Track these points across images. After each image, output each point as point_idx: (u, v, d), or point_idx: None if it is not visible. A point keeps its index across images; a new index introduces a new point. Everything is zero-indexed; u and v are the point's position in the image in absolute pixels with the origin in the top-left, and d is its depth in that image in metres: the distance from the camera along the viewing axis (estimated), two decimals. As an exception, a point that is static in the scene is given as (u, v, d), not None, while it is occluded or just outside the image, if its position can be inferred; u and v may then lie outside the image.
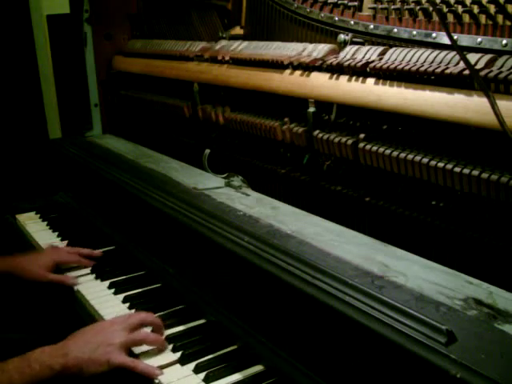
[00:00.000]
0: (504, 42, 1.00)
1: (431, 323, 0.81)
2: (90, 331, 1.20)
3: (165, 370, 1.11)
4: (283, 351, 1.07)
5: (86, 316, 1.38)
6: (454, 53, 1.05)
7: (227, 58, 1.64)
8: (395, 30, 1.22)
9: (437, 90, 1.05)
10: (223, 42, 1.72)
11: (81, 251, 1.62)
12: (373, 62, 1.18)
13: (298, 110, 1.40)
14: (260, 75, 1.50)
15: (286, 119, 1.44)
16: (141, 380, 1.11)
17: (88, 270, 1.57)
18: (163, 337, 1.20)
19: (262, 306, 1.14)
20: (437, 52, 1.09)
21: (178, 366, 1.13)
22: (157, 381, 1.08)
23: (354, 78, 1.23)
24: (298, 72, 1.39)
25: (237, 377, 1.07)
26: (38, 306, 1.71)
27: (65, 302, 1.53)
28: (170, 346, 1.17)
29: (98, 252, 1.64)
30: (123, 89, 2.31)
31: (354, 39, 1.32)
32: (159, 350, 1.17)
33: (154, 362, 1.13)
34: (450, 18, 1.10)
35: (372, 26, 1.27)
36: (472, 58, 1.00)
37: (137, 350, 1.17)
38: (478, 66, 0.99)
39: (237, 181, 1.55)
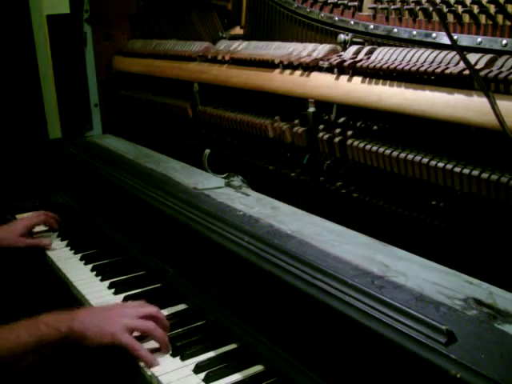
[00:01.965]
0: (504, 42, 1.00)
1: (431, 323, 0.81)
2: (98, 308, 1.26)
3: (165, 370, 1.11)
4: (283, 351, 1.07)
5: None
6: (454, 53, 1.05)
7: (227, 58, 1.64)
8: (395, 29, 1.22)
9: (437, 89, 1.05)
10: (223, 42, 1.73)
11: (46, 213, 1.82)
12: (373, 61, 1.18)
13: (298, 110, 1.40)
14: (260, 75, 1.50)
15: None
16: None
17: (88, 270, 1.57)
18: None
19: (262, 306, 1.14)
20: (437, 52, 1.09)
21: (177, 365, 1.13)
22: (156, 380, 1.08)
23: (354, 77, 1.24)
24: (298, 72, 1.39)
25: (237, 377, 1.07)
26: (36, 306, 1.71)
27: (65, 302, 1.53)
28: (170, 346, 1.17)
29: (58, 217, 1.84)
30: (123, 89, 2.31)
31: (354, 39, 1.32)
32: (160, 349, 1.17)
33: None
34: (450, 18, 1.10)
35: (372, 26, 1.27)
36: (472, 57, 1.00)
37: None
38: (478, 66, 0.99)
39: (237, 181, 1.55)
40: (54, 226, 1.83)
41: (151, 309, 1.21)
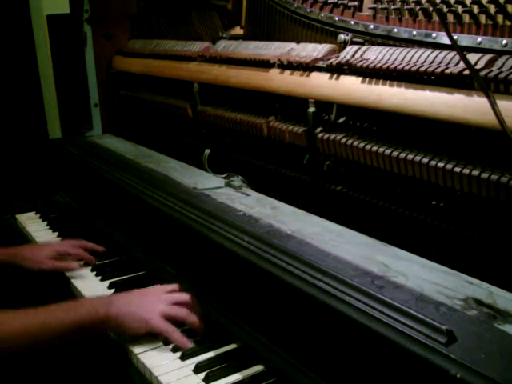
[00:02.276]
0: (504, 41, 1.00)
1: (431, 323, 0.81)
2: (134, 293, 1.25)
3: (165, 370, 1.11)
4: (283, 351, 1.07)
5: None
6: (454, 53, 1.05)
7: (227, 58, 1.64)
8: (395, 30, 1.22)
9: (437, 89, 1.05)
10: (223, 42, 1.72)
11: (86, 245, 1.63)
12: (373, 61, 1.18)
13: (298, 110, 1.40)
14: (260, 75, 1.50)
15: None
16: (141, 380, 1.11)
17: (88, 270, 1.57)
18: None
19: (262, 306, 1.14)
20: (437, 52, 1.09)
21: (178, 365, 1.13)
22: (156, 380, 1.08)
23: (353, 77, 1.24)
24: (298, 72, 1.39)
25: (237, 377, 1.07)
26: (35, 305, 1.71)
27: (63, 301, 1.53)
28: (170, 346, 1.17)
29: (102, 248, 1.64)
30: (123, 89, 2.31)
31: (354, 39, 1.32)
32: (161, 349, 1.17)
33: (154, 360, 1.13)
34: (450, 18, 1.10)
35: (372, 26, 1.27)
36: (472, 57, 1.00)
37: (136, 350, 1.17)
38: (478, 66, 0.99)
39: (237, 181, 1.55)
40: (91, 261, 1.59)
41: (184, 296, 1.24)
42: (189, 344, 1.15)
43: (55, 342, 1.15)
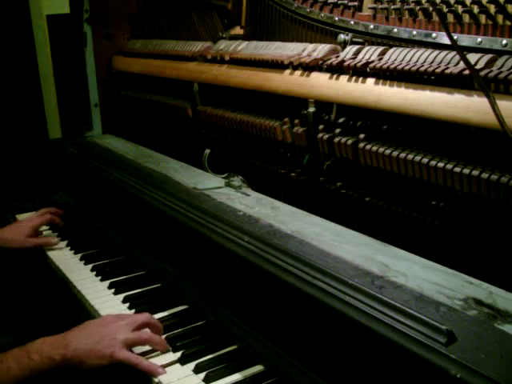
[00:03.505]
0: (504, 42, 1.00)
1: (431, 323, 0.81)
2: (93, 324, 1.18)
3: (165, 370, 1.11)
4: (283, 351, 1.07)
5: (85, 315, 1.38)
6: (454, 53, 1.05)
7: (227, 58, 1.64)
8: (395, 30, 1.22)
9: (437, 90, 1.05)
10: (223, 42, 1.72)
11: (49, 209, 1.84)
12: (373, 61, 1.18)
13: (298, 110, 1.40)
14: (260, 75, 1.50)
15: (286, 119, 1.44)
16: (140, 379, 1.11)
17: (88, 270, 1.57)
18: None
19: (262, 306, 1.14)
20: (437, 52, 1.09)
21: (178, 365, 1.13)
22: (157, 380, 1.08)
23: (354, 77, 1.23)
24: (297, 72, 1.39)
25: (237, 377, 1.08)
26: (36, 306, 1.71)
27: (64, 302, 1.53)
28: (170, 346, 1.17)
29: (60, 211, 1.88)
30: (123, 89, 2.31)
31: (354, 39, 1.32)
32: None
33: (154, 361, 1.13)
34: (450, 18, 1.10)
35: (372, 26, 1.27)
36: (472, 57, 1.00)
37: (136, 349, 1.17)
38: (478, 66, 0.99)
39: (237, 181, 1.55)
40: (59, 223, 1.86)
41: (142, 317, 1.20)
42: (160, 370, 1.09)
43: None
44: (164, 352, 1.16)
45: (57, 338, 1.13)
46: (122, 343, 1.12)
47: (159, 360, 1.13)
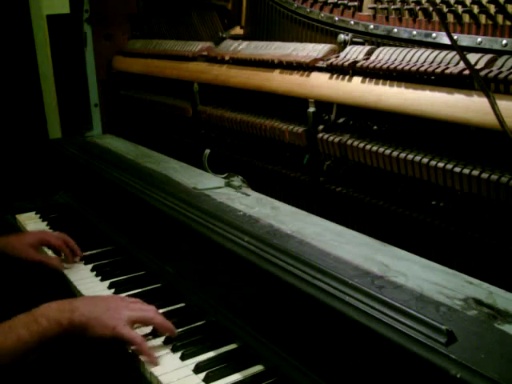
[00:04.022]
0: (504, 42, 1.00)
1: (431, 323, 0.81)
2: (100, 297, 1.21)
3: (165, 370, 1.11)
4: (283, 351, 1.07)
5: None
6: (454, 53, 1.06)
7: (227, 58, 1.64)
8: (395, 30, 1.22)
9: (437, 90, 1.06)
10: (223, 42, 1.72)
11: (68, 241, 1.65)
12: (373, 61, 1.18)
13: (298, 110, 1.40)
14: (260, 75, 1.50)
15: (286, 120, 1.44)
16: (140, 380, 1.11)
17: (88, 270, 1.57)
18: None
19: (262, 306, 1.14)
20: (437, 52, 1.09)
21: (178, 365, 1.13)
22: (156, 381, 1.08)
23: (354, 78, 1.24)
24: (297, 72, 1.39)
25: (237, 377, 1.07)
26: (34, 306, 1.71)
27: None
28: (170, 346, 1.17)
29: (80, 253, 1.64)
30: (123, 89, 2.31)
31: (354, 39, 1.32)
32: (161, 349, 1.16)
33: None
34: (450, 18, 1.10)
35: (372, 26, 1.27)
36: (472, 57, 1.00)
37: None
38: (478, 66, 0.99)
39: (237, 181, 1.55)
40: (69, 258, 1.62)
41: (152, 307, 1.21)
42: (155, 361, 1.10)
43: (21, 360, 1.08)
44: (171, 332, 1.16)
45: (62, 302, 1.14)
46: (127, 319, 1.13)
47: (159, 360, 1.13)
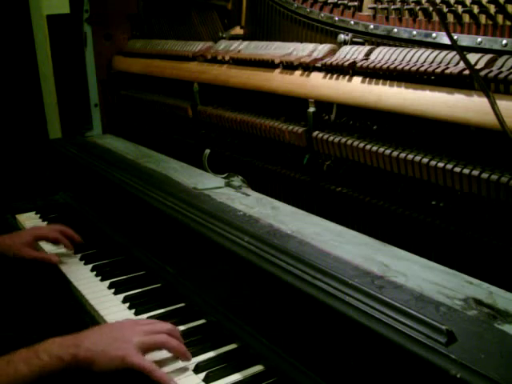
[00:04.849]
0: (504, 42, 1.00)
1: (431, 323, 0.81)
2: (107, 326, 1.14)
3: (165, 370, 1.11)
4: (283, 351, 1.07)
5: (85, 316, 1.38)
6: (454, 53, 1.06)
7: (227, 58, 1.64)
8: (395, 30, 1.22)
9: (437, 90, 1.05)
10: (223, 42, 1.73)
11: (65, 230, 1.65)
12: (373, 61, 1.18)
13: (298, 110, 1.40)
14: (260, 75, 1.50)
15: (286, 119, 1.44)
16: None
17: (88, 270, 1.57)
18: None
19: (262, 306, 1.14)
20: (437, 52, 1.09)
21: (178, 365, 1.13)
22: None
23: (354, 77, 1.24)
24: (297, 72, 1.39)
25: (237, 377, 1.07)
26: (37, 306, 1.71)
27: (64, 302, 1.53)
28: (170, 346, 1.17)
29: (78, 238, 1.67)
30: (123, 89, 2.31)
31: (354, 39, 1.32)
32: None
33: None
34: (450, 18, 1.10)
35: (372, 26, 1.27)
36: (472, 58, 1.00)
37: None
38: (478, 66, 0.99)
39: (237, 181, 1.55)
40: (69, 247, 1.65)
41: (165, 325, 1.14)
42: (174, 382, 1.04)
43: None
44: (186, 359, 1.10)
45: (67, 338, 1.08)
46: (136, 347, 1.06)
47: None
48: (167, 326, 1.15)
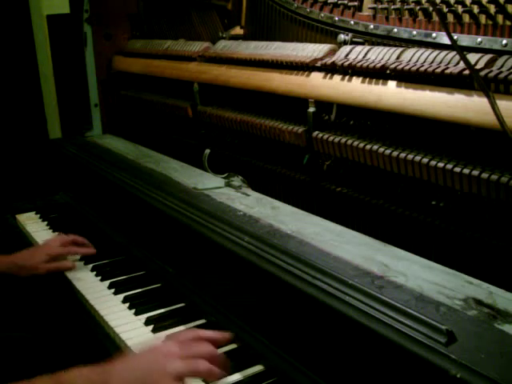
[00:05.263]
0: (504, 42, 1.00)
1: (431, 323, 0.81)
2: (139, 357, 1.01)
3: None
4: (283, 351, 1.07)
5: (85, 316, 1.38)
6: (454, 53, 1.05)
7: (227, 58, 1.64)
8: (395, 30, 1.22)
9: (437, 89, 1.05)
10: (223, 42, 1.73)
11: (77, 240, 1.65)
12: (373, 61, 1.18)
13: (298, 110, 1.40)
14: (260, 75, 1.50)
15: (286, 120, 1.44)
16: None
17: (88, 270, 1.57)
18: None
19: (262, 306, 1.14)
20: (437, 52, 1.09)
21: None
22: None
23: (353, 77, 1.24)
24: (297, 72, 1.39)
25: (237, 377, 1.07)
26: (37, 306, 1.71)
27: (64, 302, 1.53)
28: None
29: (92, 250, 1.65)
30: (123, 89, 2.31)
31: (354, 39, 1.32)
32: None
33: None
34: (450, 18, 1.10)
35: (372, 26, 1.27)
36: (472, 58, 1.00)
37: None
38: (478, 66, 0.99)
39: (237, 181, 1.55)
40: (81, 254, 1.64)
41: (205, 347, 1.02)
42: None
43: None
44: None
45: (96, 370, 0.96)
46: (174, 378, 0.95)
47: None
48: (207, 348, 1.02)
